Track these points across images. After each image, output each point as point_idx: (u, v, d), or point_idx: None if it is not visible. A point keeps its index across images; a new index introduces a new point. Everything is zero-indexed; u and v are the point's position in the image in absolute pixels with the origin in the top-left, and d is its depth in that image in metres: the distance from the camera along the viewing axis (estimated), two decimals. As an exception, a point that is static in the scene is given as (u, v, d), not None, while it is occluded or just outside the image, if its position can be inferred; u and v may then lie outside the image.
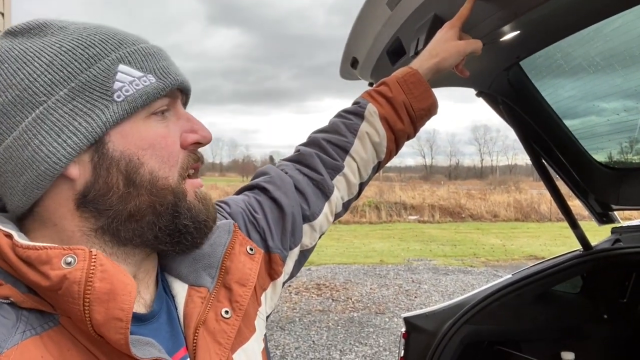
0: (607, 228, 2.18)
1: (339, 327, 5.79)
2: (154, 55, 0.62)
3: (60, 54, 0.57)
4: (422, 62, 1.00)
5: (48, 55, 0.57)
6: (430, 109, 1.01)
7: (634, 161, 1.75)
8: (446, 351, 2.06)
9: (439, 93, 1.06)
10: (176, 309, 0.67)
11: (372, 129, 0.97)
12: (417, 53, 1.07)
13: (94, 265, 0.52)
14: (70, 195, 0.58)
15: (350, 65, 1.48)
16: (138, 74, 0.59)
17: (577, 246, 2.21)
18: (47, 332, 0.53)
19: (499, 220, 18.10)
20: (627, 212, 5.51)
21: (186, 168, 0.63)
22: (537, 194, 20.37)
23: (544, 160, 1.93)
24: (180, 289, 0.68)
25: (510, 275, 2.26)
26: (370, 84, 1.51)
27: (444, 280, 8.24)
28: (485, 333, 2.18)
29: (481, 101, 1.68)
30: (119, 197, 0.58)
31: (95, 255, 0.53)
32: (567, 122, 1.72)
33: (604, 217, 2.04)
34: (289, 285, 7.51)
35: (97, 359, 0.54)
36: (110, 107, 0.57)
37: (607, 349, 2.23)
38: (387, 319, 6.08)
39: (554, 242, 12.57)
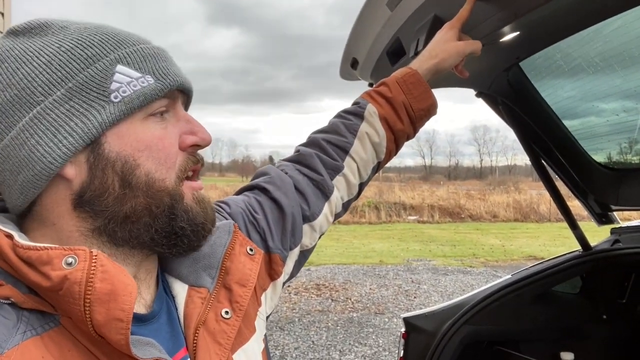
0: (607, 229, 2.18)
1: (338, 328, 5.79)
2: (154, 56, 0.61)
3: (59, 53, 0.57)
4: (422, 62, 1.00)
5: (47, 55, 0.57)
6: (430, 109, 1.01)
7: (633, 162, 1.75)
8: (446, 351, 2.06)
9: (439, 93, 1.07)
10: (176, 309, 0.67)
11: (372, 129, 0.97)
12: (417, 54, 1.07)
13: (94, 266, 0.52)
14: (67, 195, 0.58)
15: (350, 66, 1.48)
16: (136, 74, 0.59)
17: (576, 247, 2.21)
18: (47, 332, 0.53)
19: (499, 221, 18.11)
20: (626, 213, 5.51)
21: (185, 170, 0.63)
22: (536, 194, 20.38)
23: (543, 161, 1.93)
24: (180, 290, 0.68)
25: (509, 276, 2.27)
26: (370, 85, 1.51)
27: (444, 280, 8.24)
28: (484, 333, 2.18)
29: (481, 102, 1.68)
30: (114, 198, 0.58)
31: (96, 255, 0.53)
32: (567, 123, 1.72)
33: (603, 217, 2.04)
34: (289, 286, 7.51)
35: (98, 359, 0.54)
36: (106, 108, 0.57)
37: (607, 349, 2.23)
38: (386, 319, 6.08)
39: (553, 243, 12.58)
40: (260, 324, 0.77)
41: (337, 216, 0.97)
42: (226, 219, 0.79)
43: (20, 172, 0.56)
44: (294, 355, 4.95)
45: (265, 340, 0.79)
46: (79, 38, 0.58)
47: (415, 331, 2.18)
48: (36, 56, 0.57)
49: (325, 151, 0.95)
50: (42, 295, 0.54)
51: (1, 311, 0.51)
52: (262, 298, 0.80)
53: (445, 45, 1.00)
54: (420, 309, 2.36)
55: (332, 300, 7.03)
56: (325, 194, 0.92)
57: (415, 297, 7.14)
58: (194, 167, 0.65)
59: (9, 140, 0.56)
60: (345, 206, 0.99)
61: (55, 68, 0.56)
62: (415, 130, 1.03)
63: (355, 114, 0.98)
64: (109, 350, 0.54)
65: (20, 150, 0.56)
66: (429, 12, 1.09)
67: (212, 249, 0.71)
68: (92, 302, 0.51)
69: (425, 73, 0.99)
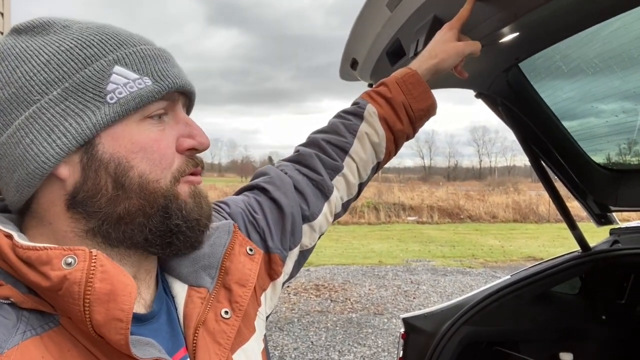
0: (606, 229, 2.19)
1: (337, 328, 5.78)
2: (154, 58, 0.60)
3: (58, 53, 0.57)
4: (421, 63, 1.00)
5: (46, 54, 0.57)
6: (429, 109, 1.01)
7: (632, 162, 1.75)
8: (445, 352, 2.06)
9: (438, 94, 1.07)
10: (176, 309, 0.67)
11: (372, 129, 0.97)
12: (416, 54, 1.07)
13: (94, 266, 0.52)
14: (62, 195, 0.58)
15: (350, 66, 1.48)
16: (134, 76, 0.58)
17: (575, 247, 2.21)
18: (47, 332, 0.53)
19: (498, 221, 18.13)
20: (625, 214, 5.51)
21: (182, 172, 0.62)
22: (535, 195, 20.41)
23: (542, 162, 1.93)
24: (180, 290, 0.68)
25: (509, 276, 2.27)
26: (370, 85, 1.51)
27: (443, 281, 8.25)
28: (484, 334, 2.18)
29: (480, 102, 1.68)
30: (107, 200, 0.58)
31: (95, 255, 0.53)
32: (566, 124, 1.72)
33: (602, 218, 2.04)
34: (288, 286, 7.50)
35: (98, 359, 0.54)
36: (101, 109, 0.56)
37: (606, 349, 2.24)
38: (385, 320, 6.08)
39: (552, 243, 12.59)
40: (259, 324, 0.77)
41: (336, 216, 0.97)
42: (226, 219, 0.79)
43: (15, 170, 0.56)
44: (293, 355, 4.95)
45: (265, 340, 0.79)
46: (79, 38, 0.58)
47: (415, 332, 2.19)
48: (36, 55, 0.57)
49: (324, 151, 0.95)
50: (41, 295, 0.54)
51: (1, 311, 0.51)
52: (262, 298, 0.80)
53: (445, 45, 1.00)
54: (420, 309, 2.36)
55: (331, 300, 7.03)
56: (325, 194, 0.92)
57: (414, 298, 7.15)
58: (194, 170, 0.64)
59: (6, 138, 0.56)
60: (345, 206, 0.99)
61: (53, 67, 0.56)
62: (414, 131, 1.03)
63: (354, 114, 0.98)
64: (108, 350, 0.54)
65: (16, 149, 0.56)
66: (428, 12, 1.09)
67: (211, 249, 0.71)
68: (91, 302, 0.51)
69: (424, 73, 1.00)
